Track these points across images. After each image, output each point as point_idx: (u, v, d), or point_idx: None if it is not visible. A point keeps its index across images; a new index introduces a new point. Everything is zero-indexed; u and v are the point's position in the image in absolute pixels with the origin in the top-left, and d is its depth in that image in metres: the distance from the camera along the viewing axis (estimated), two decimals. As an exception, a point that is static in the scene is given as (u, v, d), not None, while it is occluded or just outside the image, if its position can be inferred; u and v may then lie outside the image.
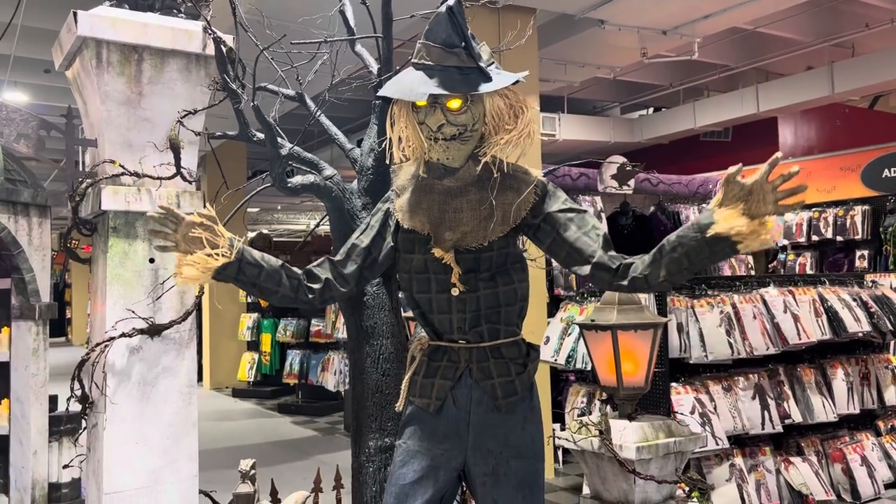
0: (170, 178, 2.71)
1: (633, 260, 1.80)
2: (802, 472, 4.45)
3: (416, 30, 1.85)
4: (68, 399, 2.78)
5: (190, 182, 2.81)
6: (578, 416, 4.22)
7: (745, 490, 4.23)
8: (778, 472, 4.46)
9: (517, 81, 1.83)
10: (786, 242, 8.37)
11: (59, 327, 20.70)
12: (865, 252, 7.72)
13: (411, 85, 1.76)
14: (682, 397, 4.12)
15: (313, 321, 9.03)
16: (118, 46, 2.70)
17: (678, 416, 3.88)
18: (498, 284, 1.88)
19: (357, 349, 2.46)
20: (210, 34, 2.42)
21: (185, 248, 1.82)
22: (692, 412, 4.05)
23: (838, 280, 5.22)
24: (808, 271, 8.00)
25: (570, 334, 4.57)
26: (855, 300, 4.98)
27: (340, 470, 3.37)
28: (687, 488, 2.98)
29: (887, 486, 4.86)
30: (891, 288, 5.61)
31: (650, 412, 3.37)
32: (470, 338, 1.90)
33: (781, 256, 8.39)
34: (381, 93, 1.89)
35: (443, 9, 1.76)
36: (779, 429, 4.42)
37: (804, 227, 8.22)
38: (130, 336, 2.62)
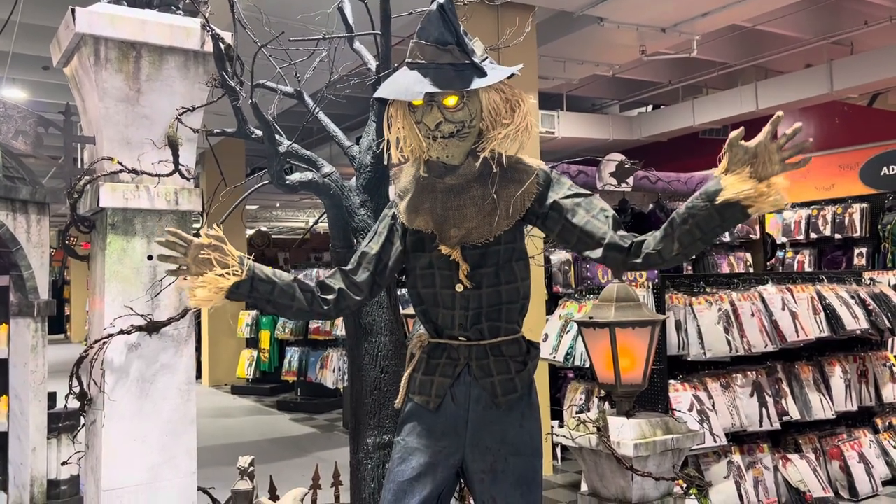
0: (168, 175, 2.71)
1: (645, 237, 1.79)
2: (800, 470, 4.46)
3: (414, 27, 1.84)
4: (67, 396, 2.78)
5: (188, 179, 2.81)
6: (577, 413, 4.22)
7: (743, 487, 4.24)
8: (776, 469, 4.47)
9: (512, 75, 1.83)
10: (784, 240, 8.37)
11: (57, 324, 20.68)
12: (864, 250, 7.73)
13: (407, 85, 1.76)
14: (681, 394, 4.13)
15: (312, 318, 9.01)
16: (116, 43, 2.70)
17: (676, 414, 3.89)
18: (501, 282, 1.89)
19: (355, 346, 2.46)
20: (208, 31, 2.42)
21: (196, 270, 1.82)
22: (690, 409, 4.06)
23: (836, 278, 5.23)
24: (807, 269, 8.00)
25: (568, 332, 4.57)
26: (853, 298, 4.98)
27: (339, 467, 3.37)
28: (684, 485, 2.99)
29: (885, 483, 4.87)
30: (889, 286, 5.62)
31: (648, 409, 3.37)
32: (470, 335, 1.90)
33: (780, 254, 8.39)
34: (376, 94, 1.89)
35: (434, 6, 1.76)
36: (777, 426, 4.43)
37: (803, 225, 8.22)
38: (129, 333, 2.63)
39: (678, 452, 2.88)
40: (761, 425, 4.36)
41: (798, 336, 4.53)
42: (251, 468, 2.91)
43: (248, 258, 1.87)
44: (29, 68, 8.08)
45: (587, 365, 3.98)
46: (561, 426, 3.13)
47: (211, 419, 8.45)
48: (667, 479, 2.78)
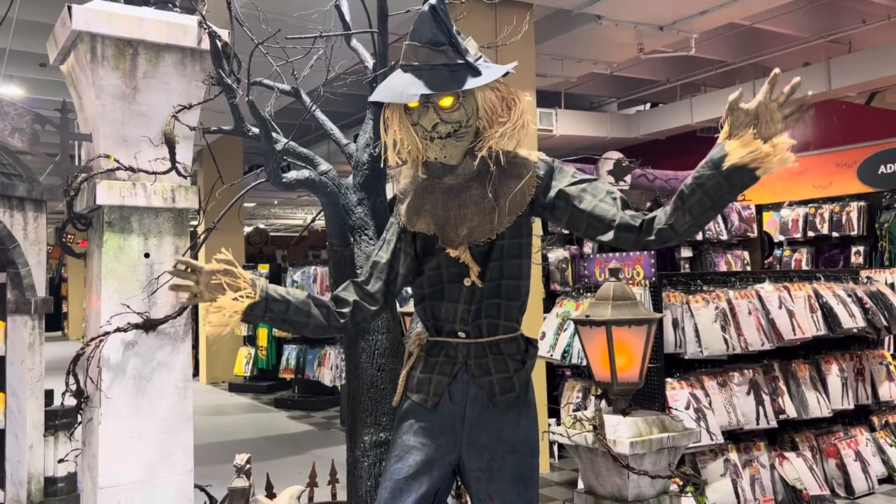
0: (165, 172, 2.71)
1: (655, 213, 1.78)
2: (797, 468, 4.47)
3: (411, 24, 1.84)
4: (64, 393, 2.78)
5: (185, 177, 2.80)
6: (573, 411, 4.23)
7: (740, 485, 4.25)
8: (772, 467, 4.48)
9: (507, 73, 1.82)
10: (782, 238, 8.38)
11: (55, 322, 20.68)
12: (861, 248, 7.74)
13: (401, 88, 1.76)
14: (677, 392, 4.14)
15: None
16: (113, 41, 2.69)
17: (673, 412, 3.89)
18: (503, 276, 1.89)
19: (352, 344, 2.46)
20: (205, 28, 2.42)
21: (209, 296, 1.82)
22: (687, 407, 4.07)
23: (833, 276, 5.24)
24: (804, 267, 8.01)
25: (565, 330, 4.58)
26: (850, 296, 4.99)
27: (336, 464, 3.38)
28: (681, 483, 2.99)
29: (881, 482, 4.89)
30: (886, 284, 5.63)
31: (645, 407, 3.38)
32: (470, 330, 1.90)
33: (777, 252, 8.40)
34: (371, 98, 1.88)
35: (425, 8, 1.75)
36: (773, 424, 4.44)
37: (800, 223, 8.23)
38: (125, 331, 2.62)
39: (674, 450, 2.88)
40: (758, 423, 4.37)
41: (795, 334, 4.54)
42: (248, 466, 2.92)
43: (260, 279, 1.87)
44: (26, 65, 8.07)
45: (584, 363, 3.99)
46: (558, 424, 3.14)
47: (208, 417, 8.45)
48: (663, 477, 2.79)
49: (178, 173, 2.75)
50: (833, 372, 4.90)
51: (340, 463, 2.89)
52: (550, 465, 5.66)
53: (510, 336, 1.93)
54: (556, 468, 5.68)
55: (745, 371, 4.48)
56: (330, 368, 8.11)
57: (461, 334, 1.91)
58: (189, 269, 1.82)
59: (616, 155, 7.27)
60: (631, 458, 2.73)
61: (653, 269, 4.31)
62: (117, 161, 2.67)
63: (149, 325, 2.67)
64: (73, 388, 2.69)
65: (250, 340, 10.10)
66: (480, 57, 1.85)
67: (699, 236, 6.85)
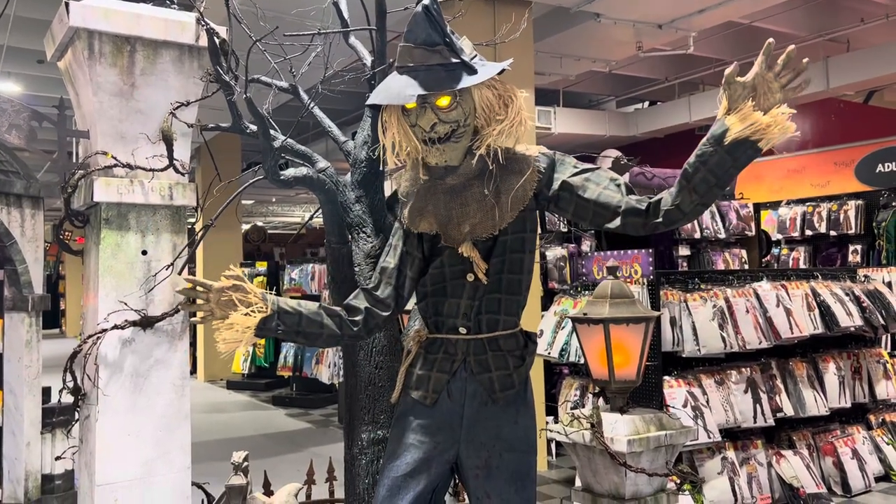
0: (162, 169, 2.70)
1: (661, 195, 1.79)
2: (794, 466, 4.48)
3: (406, 26, 1.83)
4: (61, 391, 2.77)
5: (183, 174, 2.80)
6: (571, 409, 4.23)
7: (737, 483, 4.25)
8: (769, 465, 4.48)
9: (503, 70, 1.82)
10: (780, 237, 8.39)
11: (52, 319, 20.66)
12: (858, 247, 7.75)
13: (398, 89, 1.75)
14: (675, 391, 4.14)
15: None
16: (110, 37, 2.68)
17: (670, 410, 3.89)
18: (504, 270, 1.89)
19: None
20: (203, 25, 2.41)
21: (220, 313, 1.82)
22: (685, 405, 4.07)
23: (831, 275, 5.24)
24: (802, 266, 8.02)
25: (563, 328, 4.58)
26: (847, 295, 5.00)
27: (333, 462, 3.38)
28: (678, 481, 3.00)
29: (878, 480, 4.90)
30: (883, 283, 5.63)
31: (643, 405, 3.38)
32: (471, 325, 1.90)
33: (775, 251, 8.41)
34: (369, 102, 1.88)
35: (419, 8, 1.75)
36: (770, 422, 4.44)
37: (798, 222, 8.23)
38: (123, 328, 2.62)
39: (672, 448, 2.88)
40: (755, 421, 4.37)
41: (792, 333, 4.54)
42: (245, 463, 2.91)
43: (270, 293, 1.86)
44: (23, 62, 8.06)
45: (582, 361, 3.99)
46: (555, 422, 3.14)
47: (206, 414, 8.45)
48: (660, 474, 2.79)
49: (176, 170, 2.75)
50: (830, 370, 4.90)
51: (338, 460, 2.89)
52: (548, 462, 5.67)
53: (510, 332, 1.93)
54: (554, 466, 5.69)
55: (743, 369, 4.48)
56: (328, 366, 8.11)
57: (462, 330, 1.91)
58: (199, 288, 1.81)
59: (614, 153, 7.27)
60: (628, 455, 2.73)
61: (651, 268, 4.31)
62: (115, 158, 2.67)
63: (146, 323, 2.66)
64: (71, 385, 2.69)
65: (248, 338, 10.08)
66: (476, 55, 1.85)
67: (697, 234, 6.86)
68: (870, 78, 8.40)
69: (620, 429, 2.80)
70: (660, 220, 1.78)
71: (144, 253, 2.74)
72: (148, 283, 2.71)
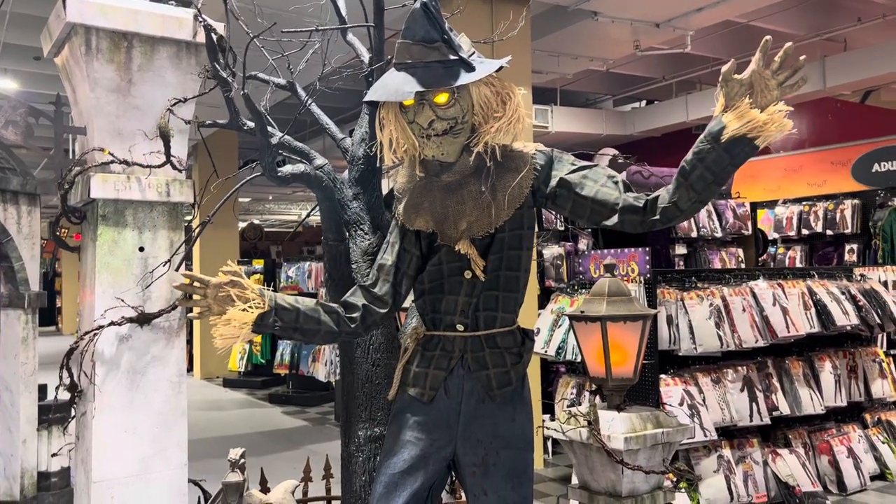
0: (159, 166, 2.70)
1: (658, 192, 1.79)
2: (790, 464, 4.49)
3: (404, 23, 1.83)
4: (57, 388, 2.77)
5: (180, 171, 2.79)
6: (568, 406, 4.23)
7: (733, 481, 4.26)
8: (765, 463, 4.49)
9: (501, 68, 1.82)
10: (776, 236, 8.41)
11: (49, 316, 20.61)
12: (855, 246, 7.76)
13: (396, 86, 1.75)
14: (672, 389, 4.15)
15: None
16: (108, 33, 2.68)
17: (667, 408, 3.90)
18: (502, 267, 1.89)
19: (347, 340, 2.45)
20: (200, 21, 2.40)
21: (218, 309, 1.82)
22: (681, 404, 4.08)
23: (827, 274, 5.25)
24: (798, 265, 8.04)
25: (560, 326, 4.58)
26: (844, 294, 5.01)
27: (330, 459, 3.38)
28: (674, 479, 3.00)
29: (873, 479, 4.91)
30: (879, 282, 5.65)
31: (639, 403, 3.38)
32: (469, 322, 1.90)
33: (771, 250, 8.42)
34: (366, 98, 1.88)
35: (417, 5, 1.75)
36: (767, 421, 4.45)
37: (794, 221, 8.25)
38: (120, 325, 2.61)
39: (668, 446, 2.89)
40: (751, 420, 4.38)
41: (789, 331, 4.55)
42: (242, 461, 2.91)
43: (268, 289, 1.86)
44: (20, 58, 8.03)
45: (579, 359, 3.99)
46: (552, 420, 3.14)
47: (202, 412, 8.44)
48: (657, 472, 2.79)
49: (173, 167, 2.75)
50: (826, 369, 4.92)
51: (335, 458, 2.89)
52: (544, 460, 5.68)
53: (507, 329, 1.93)
54: (551, 464, 5.69)
55: (739, 368, 4.49)
56: (324, 364, 8.11)
57: (459, 327, 1.91)
58: (197, 284, 1.81)
59: (611, 152, 7.27)
60: (625, 453, 2.73)
61: (647, 266, 4.31)
62: (112, 154, 2.66)
63: (143, 319, 2.66)
64: (67, 382, 2.68)
65: (245, 336, 10.07)
66: (473, 53, 1.85)
67: (694, 233, 6.86)
68: (866, 77, 8.41)
69: (617, 426, 2.81)
70: (657, 217, 1.78)
71: (141, 249, 2.74)
72: (145, 279, 2.71)
